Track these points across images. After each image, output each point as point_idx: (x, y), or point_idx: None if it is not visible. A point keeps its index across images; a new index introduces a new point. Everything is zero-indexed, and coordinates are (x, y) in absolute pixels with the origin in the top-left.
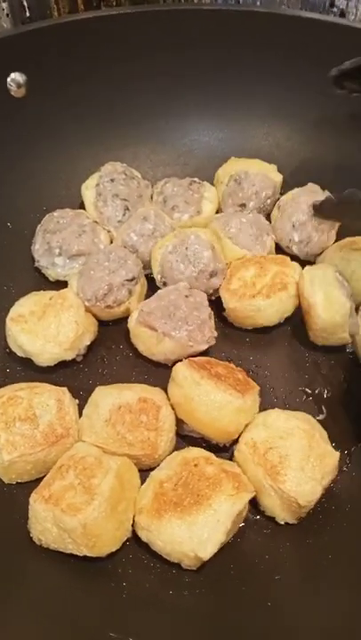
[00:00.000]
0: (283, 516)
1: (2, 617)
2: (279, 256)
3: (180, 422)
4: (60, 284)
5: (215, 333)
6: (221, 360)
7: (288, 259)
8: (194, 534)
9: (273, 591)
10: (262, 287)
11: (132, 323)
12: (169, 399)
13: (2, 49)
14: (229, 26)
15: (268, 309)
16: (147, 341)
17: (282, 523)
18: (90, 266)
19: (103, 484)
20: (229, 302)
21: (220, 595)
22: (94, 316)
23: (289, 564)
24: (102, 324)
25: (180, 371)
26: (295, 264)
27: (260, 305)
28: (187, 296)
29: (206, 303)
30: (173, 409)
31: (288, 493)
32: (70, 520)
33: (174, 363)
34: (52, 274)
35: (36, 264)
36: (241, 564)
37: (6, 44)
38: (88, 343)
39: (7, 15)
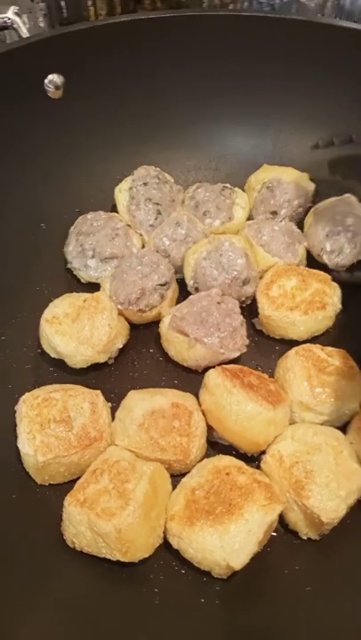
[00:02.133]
0: (305, 531)
1: (34, 617)
2: (322, 273)
3: (209, 429)
4: (92, 286)
5: (247, 341)
6: (251, 368)
7: (330, 278)
8: (226, 543)
9: (304, 602)
10: (301, 301)
11: (164, 327)
12: (200, 405)
13: (41, 50)
14: (265, 33)
15: (301, 325)
16: (178, 346)
17: (304, 538)
18: (123, 269)
19: (137, 489)
20: (266, 309)
21: (251, 604)
22: (126, 319)
23: (319, 576)
24: (133, 327)
25: (213, 378)
26: (335, 285)
27: (296, 319)
28: (219, 303)
29: (238, 310)
30: (204, 415)
31: (312, 509)
32: (105, 524)
33: (204, 369)
34: (85, 276)
35: (69, 265)
36: (271, 574)
37: (45, 45)
38: (120, 346)
39: (45, 15)
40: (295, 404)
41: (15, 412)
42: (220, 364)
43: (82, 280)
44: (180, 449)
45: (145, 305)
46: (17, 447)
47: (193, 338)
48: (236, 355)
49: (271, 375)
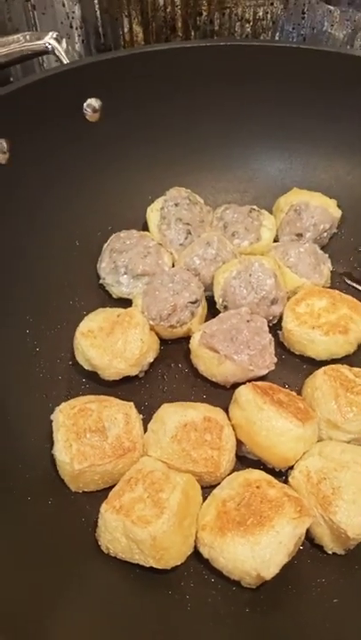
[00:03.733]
0: (331, 545)
1: (67, 619)
2: (354, 300)
3: (238, 443)
4: (123, 302)
5: (275, 359)
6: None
7: None
8: (257, 554)
9: (332, 614)
10: (325, 323)
11: (194, 343)
12: (230, 420)
13: (81, 75)
14: (295, 62)
15: (320, 345)
16: (208, 362)
17: (330, 552)
18: (154, 286)
19: (171, 498)
20: (289, 322)
21: (280, 613)
22: (157, 334)
23: (347, 590)
24: (163, 342)
25: (244, 394)
26: None
27: (316, 338)
28: (248, 321)
29: (267, 329)
30: (234, 430)
31: (338, 524)
32: (141, 532)
33: (233, 385)
34: (116, 291)
35: (101, 281)
36: (299, 585)
37: (85, 71)
38: (151, 360)
39: (83, 41)
40: (323, 422)
41: (49, 420)
42: (248, 381)
43: (113, 295)
44: (211, 461)
45: (176, 321)
46: (51, 455)
47: (223, 355)
48: (264, 372)
49: (298, 393)
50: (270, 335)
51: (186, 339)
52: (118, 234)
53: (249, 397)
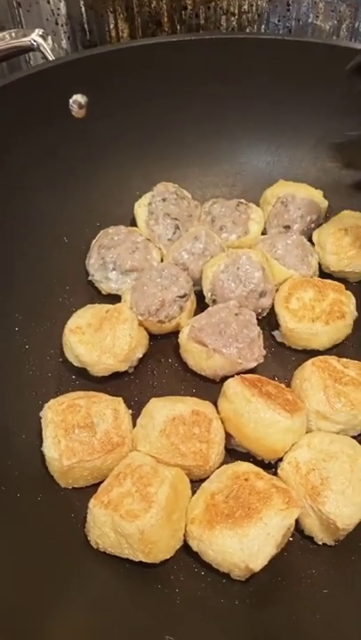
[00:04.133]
0: (321, 536)
1: (57, 615)
2: (336, 283)
3: (227, 436)
4: (112, 298)
5: (264, 352)
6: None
7: (343, 287)
8: (245, 546)
9: (322, 605)
10: (321, 312)
11: (183, 338)
12: (218, 413)
13: (66, 72)
14: (281, 55)
15: (324, 336)
16: (197, 356)
17: (320, 543)
18: (143, 282)
19: (159, 492)
20: (289, 322)
21: (270, 605)
22: (146, 329)
23: (336, 580)
24: (152, 337)
25: (232, 386)
26: (350, 294)
27: (319, 330)
28: (237, 314)
29: (255, 322)
30: (222, 423)
31: (327, 515)
32: (129, 526)
33: (222, 378)
34: (105, 287)
35: (90, 277)
36: (289, 576)
37: (71, 67)
38: (140, 356)
39: (68, 38)
40: (312, 413)
41: (39, 417)
42: (237, 374)
43: (102, 292)
44: (199, 455)
45: (164, 316)
46: (41, 451)
47: (212, 348)
48: (253, 365)
49: (288, 385)
50: (259, 328)
51: (175, 333)
52: (107, 230)
53: (237, 390)
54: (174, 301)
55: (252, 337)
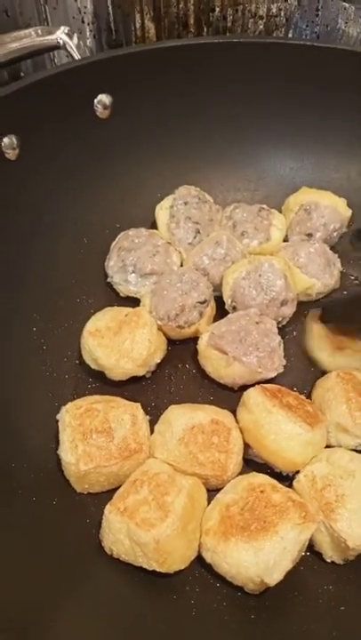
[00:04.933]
0: (330, 554)
1: (70, 621)
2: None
3: (246, 446)
4: (130, 300)
5: (284, 362)
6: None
7: None
8: (260, 560)
9: (338, 622)
10: None
11: (202, 344)
12: (237, 422)
13: (93, 71)
14: (309, 60)
15: None
16: (215, 364)
17: (328, 561)
18: (163, 286)
19: (176, 502)
20: None
21: (286, 620)
22: (164, 334)
23: (354, 597)
24: (170, 342)
25: (253, 396)
26: None
27: None
28: (257, 322)
29: (276, 330)
30: (241, 433)
31: (339, 533)
32: (144, 534)
33: (241, 387)
34: (124, 290)
35: (109, 279)
36: (304, 591)
37: (97, 67)
38: (158, 361)
39: (94, 37)
40: (332, 425)
41: (55, 420)
42: (256, 384)
43: (121, 294)
44: (218, 465)
45: (184, 321)
46: (57, 455)
47: (232, 356)
48: (272, 375)
49: (307, 396)
50: (279, 337)
51: (194, 339)
52: (127, 232)
53: (258, 400)
54: (194, 307)
55: (272, 346)
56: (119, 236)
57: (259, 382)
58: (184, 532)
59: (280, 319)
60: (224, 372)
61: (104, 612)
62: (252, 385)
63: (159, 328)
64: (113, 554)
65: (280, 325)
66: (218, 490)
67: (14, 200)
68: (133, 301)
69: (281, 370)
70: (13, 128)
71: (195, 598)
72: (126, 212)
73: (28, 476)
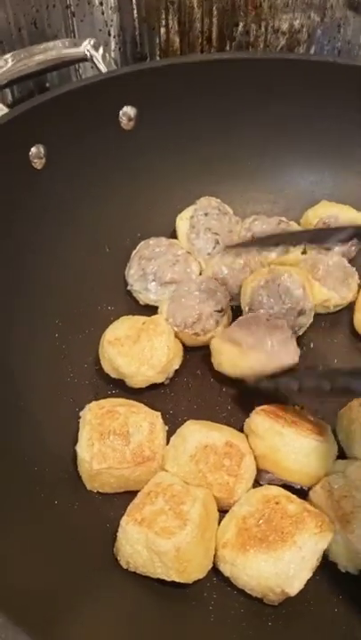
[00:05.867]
0: (345, 564)
1: (87, 628)
2: None
3: (260, 471)
4: (149, 308)
5: (299, 351)
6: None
7: None
8: (280, 570)
9: (354, 630)
10: None
11: (215, 342)
12: (252, 450)
13: (118, 84)
14: (330, 77)
15: None
16: (231, 355)
17: (343, 571)
18: (181, 293)
19: (192, 511)
20: None
21: (303, 629)
22: (180, 341)
23: None
24: (190, 350)
25: (259, 423)
26: None
27: None
28: (268, 319)
29: (287, 327)
30: (256, 460)
31: (354, 544)
32: (165, 543)
33: (256, 379)
34: (144, 298)
35: (129, 287)
36: (320, 601)
37: (122, 80)
38: (177, 367)
39: (120, 49)
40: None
41: (76, 424)
42: (271, 377)
43: (140, 302)
44: (225, 487)
45: (200, 329)
46: (74, 456)
47: (245, 346)
48: (290, 362)
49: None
50: (291, 332)
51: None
52: (147, 241)
53: (266, 426)
54: (211, 315)
55: (285, 336)
56: (140, 245)
57: (275, 373)
58: (202, 540)
59: (296, 328)
60: (240, 362)
61: (120, 617)
62: (269, 376)
63: (175, 335)
64: (129, 567)
65: (296, 335)
66: (222, 511)
67: (38, 209)
68: (152, 310)
69: (297, 359)
70: (41, 138)
71: (213, 605)
72: (147, 222)
73: (50, 480)
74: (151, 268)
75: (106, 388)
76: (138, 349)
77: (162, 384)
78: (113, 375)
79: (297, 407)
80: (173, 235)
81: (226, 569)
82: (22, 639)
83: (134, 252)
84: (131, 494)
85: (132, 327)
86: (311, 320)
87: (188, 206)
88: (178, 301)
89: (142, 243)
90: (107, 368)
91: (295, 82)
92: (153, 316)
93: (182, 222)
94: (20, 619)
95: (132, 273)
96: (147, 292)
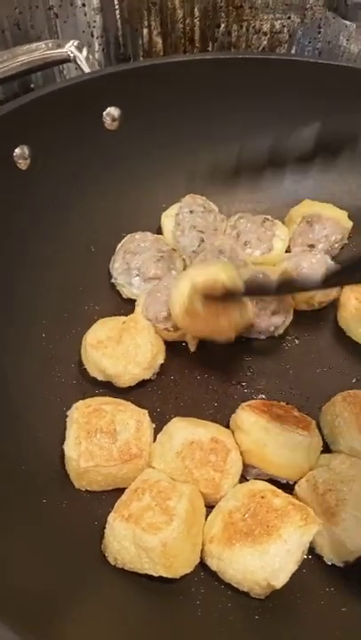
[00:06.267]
0: (330, 556)
1: (77, 624)
2: None
3: (247, 467)
4: (132, 302)
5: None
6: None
7: None
8: (266, 564)
9: (342, 622)
10: None
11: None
12: (238, 446)
13: (102, 85)
14: (311, 76)
15: None
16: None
17: (329, 563)
18: (158, 288)
19: (179, 506)
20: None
21: (290, 621)
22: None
23: (354, 598)
24: (177, 348)
25: (245, 418)
26: None
27: None
28: None
29: None
30: (242, 455)
31: (339, 536)
32: (151, 538)
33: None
34: (127, 292)
35: (113, 280)
36: (306, 593)
37: (106, 81)
38: (161, 362)
39: (103, 50)
40: (346, 450)
41: (63, 424)
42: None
43: (123, 295)
44: (211, 483)
45: (171, 325)
46: (62, 455)
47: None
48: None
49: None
50: None
51: (205, 345)
52: (133, 235)
53: (251, 420)
54: None
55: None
56: (125, 239)
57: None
58: (189, 536)
59: (271, 328)
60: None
61: (108, 613)
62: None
63: (156, 330)
64: (117, 563)
65: (275, 334)
66: (209, 507)
67: (23, 209)
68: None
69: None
70: (25, 139)
71: (200, 599)
72: (132, 221)
73: (39, 479)
74: (135, 262)
75: (93, 387)
76: (122, 349)
77: (149, 381)
78: (100, 378)
79: (282, 403)
80: (159, 232)
81: (213, 563)
82: (8, 637)
83: (119, 245)
84: (118, 492)
85: (113, 328)
86: (290, 319)
87: (172, 204)
88: (153, 295)
89: (128, 236)
90: (92, 371)
91: (277, 81)
92: (131, 315)
93: (167, 220)
94: (5, 616)
95: (117, 267)
96: (130, 286)
